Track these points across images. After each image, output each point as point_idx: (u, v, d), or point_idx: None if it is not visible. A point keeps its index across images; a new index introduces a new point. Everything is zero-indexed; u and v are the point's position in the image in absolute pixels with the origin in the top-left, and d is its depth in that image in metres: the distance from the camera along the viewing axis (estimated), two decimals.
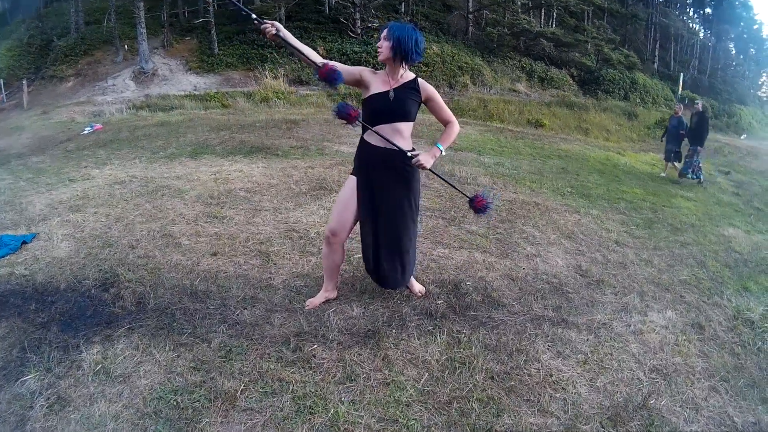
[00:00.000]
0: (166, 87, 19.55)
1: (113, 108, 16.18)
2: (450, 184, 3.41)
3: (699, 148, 10.53)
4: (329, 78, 2.80)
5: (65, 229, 4.68)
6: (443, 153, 3.07)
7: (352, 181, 3.16)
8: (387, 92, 2.97)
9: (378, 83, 3.01)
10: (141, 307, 3.31)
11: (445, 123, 3.14)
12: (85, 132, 11.81)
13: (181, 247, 4.27)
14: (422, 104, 3.09)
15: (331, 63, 2.87)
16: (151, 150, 8.75)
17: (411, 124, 3.06)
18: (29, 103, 19.22)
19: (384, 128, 2.95)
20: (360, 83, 3.05)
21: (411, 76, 3.04)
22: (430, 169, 3.04)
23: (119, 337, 2.96)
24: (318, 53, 3.01)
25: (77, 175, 6.98)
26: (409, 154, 2.95)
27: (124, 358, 2.76)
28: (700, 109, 11.04)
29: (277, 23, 2.79)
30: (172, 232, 4.58)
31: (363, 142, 3.12)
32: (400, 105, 2.97)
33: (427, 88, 3.05)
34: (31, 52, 24.61)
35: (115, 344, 2.89)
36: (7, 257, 4.11)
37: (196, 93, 18.25)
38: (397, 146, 2.94)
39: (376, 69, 3.12)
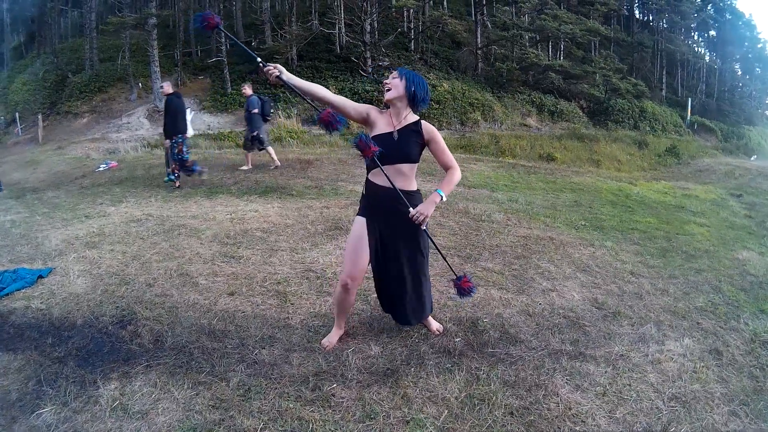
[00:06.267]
0: None
1: (128, 145, 16.38)
2: (442, 256, 3.40)
3: (166, 141, 9.12)
4: (331, 122, 2.81)
5: (81, 265, 4.76)
6: (444, 199, 3.01)
7: (360, 223, 3.15)
8: (391, 133, 3.00)
9: (382, 123, 3.05)
10: (158, 345, 3.34)
11: (446, 168, 3.11)
12: (100, 169, 11.96)
13: (198, 286, 4.31)
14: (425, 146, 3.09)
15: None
16: (166, 189, 8.86)
17: (415, 165, 3.08)
18: (44, 138, 19.64)
19: (387, 169, 2.93)
20: (366, 121, 3.09)
21: (414, 117, 3.07)
22: (425, 231, 3.06)
23: (137, 374, 2.98)
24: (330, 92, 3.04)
25: (93, 212, 7.10)
26: (409, 209, 2.91)
27: (142, 395, 2.78)
28: (170, 92, 9.09)
29: (279, 66, 2.83)
30: (189, 271, 4.63)
31: (369, 183, 3.13)
32: (403, 146, 2.99)
33: (429, 130, 3.06)
34: (46, 87, 25.13)
35: (133, 381, 2.91)
36: (23, 290, 4.18)
37: (210, 132, 18.42)
38: (397, 189, 2.91)
39: (383, 109, 3.16)
